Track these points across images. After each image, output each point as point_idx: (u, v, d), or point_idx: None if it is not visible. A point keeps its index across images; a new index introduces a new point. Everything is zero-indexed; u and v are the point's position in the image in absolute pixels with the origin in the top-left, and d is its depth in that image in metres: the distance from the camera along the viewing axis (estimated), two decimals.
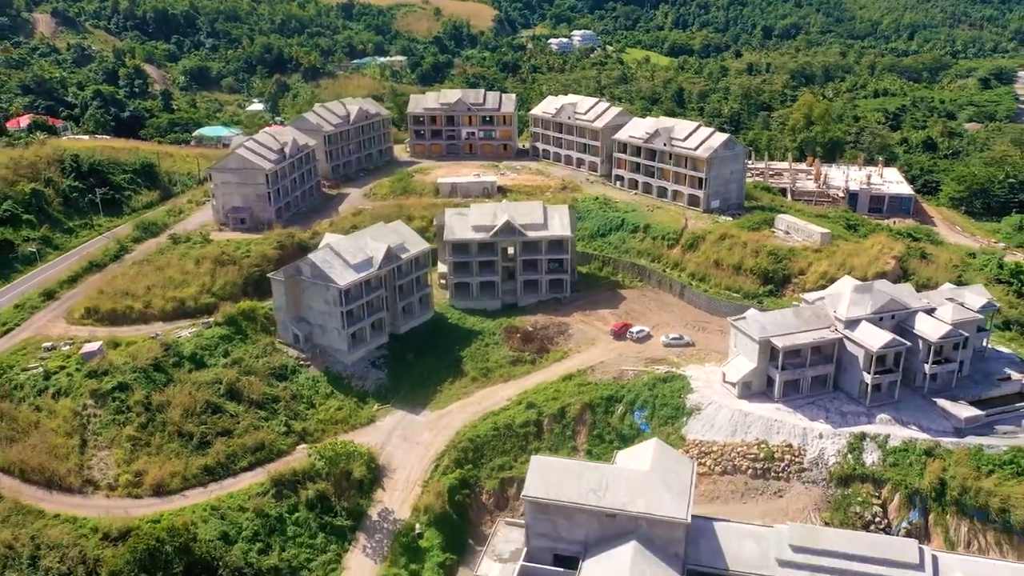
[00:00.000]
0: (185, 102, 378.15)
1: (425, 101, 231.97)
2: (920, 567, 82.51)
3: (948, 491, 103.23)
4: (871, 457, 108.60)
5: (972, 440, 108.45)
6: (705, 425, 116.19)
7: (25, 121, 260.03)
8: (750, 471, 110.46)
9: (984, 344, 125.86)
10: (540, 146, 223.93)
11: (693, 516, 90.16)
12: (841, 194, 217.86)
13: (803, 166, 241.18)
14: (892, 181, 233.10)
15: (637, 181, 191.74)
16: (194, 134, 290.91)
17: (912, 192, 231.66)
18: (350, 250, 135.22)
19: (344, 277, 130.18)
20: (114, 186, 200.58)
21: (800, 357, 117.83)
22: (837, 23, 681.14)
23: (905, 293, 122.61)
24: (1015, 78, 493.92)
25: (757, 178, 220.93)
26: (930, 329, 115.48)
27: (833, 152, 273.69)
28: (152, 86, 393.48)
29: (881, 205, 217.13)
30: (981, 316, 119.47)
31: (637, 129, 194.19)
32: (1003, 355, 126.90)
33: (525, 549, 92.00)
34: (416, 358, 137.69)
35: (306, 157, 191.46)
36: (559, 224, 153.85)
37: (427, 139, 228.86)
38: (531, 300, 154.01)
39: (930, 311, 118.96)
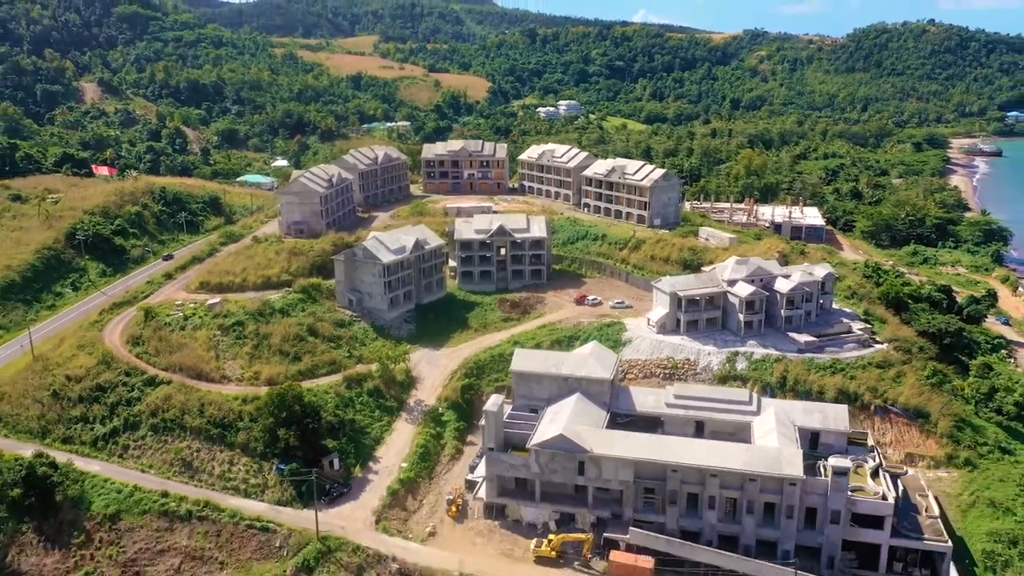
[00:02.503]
0: (220, 157, 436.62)
1: (435, 149, 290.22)
2: (749, 403, 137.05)
3: (787, 383, 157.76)
4: (741, 365, 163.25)
5: (808, 355, 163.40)
6: (634, 350, 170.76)
7: (103, 170, 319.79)
8: (661, 375, 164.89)
9: (831, 303, 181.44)
10: (526, 183, 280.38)
11: (618, 387, 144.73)
12: (767, 224, 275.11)
13: (741, 205, 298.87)
14: (810, 216, 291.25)
15: (600, 207, 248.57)
16: (238, 180, 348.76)
17: (824, 224, 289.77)
18: (389, 240, 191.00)
19: (386, 257, 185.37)
20: (191, 212, 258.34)
21: (698, 305, 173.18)
22: (798, 96, 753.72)
23: (772, 265, 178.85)
24: (948, 144, 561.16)
25: (703, 212, 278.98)
26: (783, 286, 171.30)
27: (768, 195, 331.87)
28: (190, 144, 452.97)
29: (800, 234, 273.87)
30: (819, 279, 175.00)
31: (600, 167, 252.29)
32: (845, 312, 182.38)
33: (511, 404, 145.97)
34: (435, 318, 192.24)
35: (346, 187, 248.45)
36: (538, 229, 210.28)
37: (436, 178, 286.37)
38: (517, 284, 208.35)
39: (787, 276, 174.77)
